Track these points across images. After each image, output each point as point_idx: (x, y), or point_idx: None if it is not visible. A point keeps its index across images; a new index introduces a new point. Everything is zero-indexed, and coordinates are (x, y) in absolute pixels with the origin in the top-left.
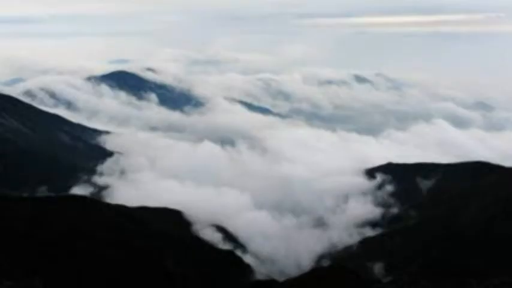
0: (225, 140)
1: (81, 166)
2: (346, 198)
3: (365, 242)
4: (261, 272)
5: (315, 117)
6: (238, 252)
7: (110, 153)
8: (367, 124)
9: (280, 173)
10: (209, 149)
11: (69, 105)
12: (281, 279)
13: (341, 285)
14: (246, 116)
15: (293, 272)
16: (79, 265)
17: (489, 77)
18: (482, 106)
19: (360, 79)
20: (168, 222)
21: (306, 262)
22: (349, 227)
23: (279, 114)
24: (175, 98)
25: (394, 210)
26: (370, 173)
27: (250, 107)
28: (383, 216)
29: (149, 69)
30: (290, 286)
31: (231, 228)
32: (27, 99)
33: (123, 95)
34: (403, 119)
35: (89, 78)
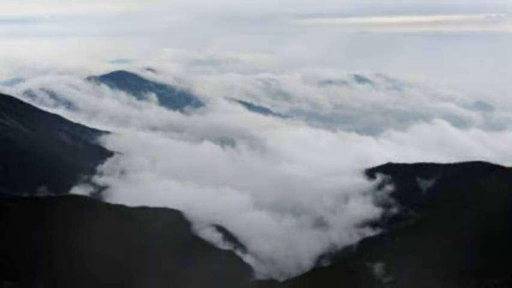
0: (225, 140)
1: (81, 166)
2: (346, 198)
3: (365, 242)
4: (261, 272)
5: (315, 117)
6: (238, 252)
7: (110, 153)
8: (367, 124)
9: (280, 173)
10: (209, 149)
11: (69, 105)
12: (281, 279)
13: (341, 285)
14: (246, 116)
15: (293, 272)
16: (79, 265)
17: (489, 77)
18: (482, 106)
19: (360, 79)
20: (168, 222)
21: (306, 262)
22: (349, 227)
23: (279, 114)
24: (175, 98)
25: (394, 210)
26: (370, 173)
27: (250, 107)
28: (383, 216)
29: (149, 69)
30: (290, 286)
31: (231, 228)
32: (27, 99)
33: (123, 95)
34: (403, 119)
35: (89, 78)
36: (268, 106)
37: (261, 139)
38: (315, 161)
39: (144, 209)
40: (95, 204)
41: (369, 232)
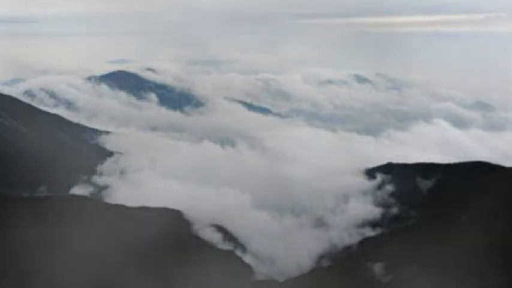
0: (225, 140)
1: (81, 166)
2: (346, 198)
3: (365, 242)
4: (261, 272)
5: (315, 117)
6: (238, 252)
7: (110, 153)
8: (367, 124)
9: (280, 173)
10: (209, 149)
11: (69, 105)
12: (281, 279)
13: (341, 285)
14: (246, 116)
15: (293, 272)
16: (79, 265)
17: (489, 77)
18: (482, 106)
19: (360, 79)
20: (168, 222)
21: (306, 262)
22: (349, 227)
23: (279, 114)
24: (175, 98)
25: (394, 210)
26: (370, 173)
27: (250, 107)
28: (383, 216)
29: (149, 69)
30: (290, 286)
31: (231, 228)
32: (27, 99)
33: (123, 95)
34: (403, 119)
35: (89, 78)
36: (268, 106)
37: (261, 139)
38: (315, 161)
39: (144, 209)
40: (95, 204)
41: (369, 232)
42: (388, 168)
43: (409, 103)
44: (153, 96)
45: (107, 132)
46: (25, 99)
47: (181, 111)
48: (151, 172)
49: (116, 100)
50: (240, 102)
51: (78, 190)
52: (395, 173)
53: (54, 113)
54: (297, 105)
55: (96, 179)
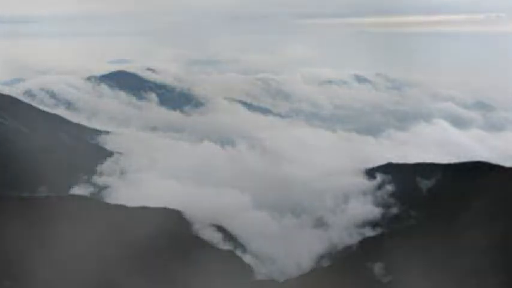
0: (225, 140)
1: (81, 166)
2: (346, 198)
3: (365, 242)
4: (261, 272)
5: (315, 117)
6: (238, 252)
7: (110, 153)
8: (367, 124)
9: (280, 173)
10: (209, 149)
11: (69, 105)
12: (281, 279)
13: (341, 285)
14: (246, 116)
15: (293, 272)
16: (79, 265)
17: (489, 77)
18: (482, 106)
19: (360, 79)
20: (168, 222)
21: (306, 262)
22: (349, 227)
23: (279, 114)
24: (175, 98)
25: (394, 210)
26: (370, 173)
27: (250, 107)
28: (383, 216)
29: (149, 69)
30: (290, 286)
31: (231, 228)
32: (27, 99)
33: (123, 95)
34: (403, 119)
35: (89, 78)
36: (268, 106)
37: (261, 139)
38: (315, 161)
39: (144, 209)
40: (95, 204)
41: (369, 232)
42: (388, 168)
43: (409, 103)
44: (153, 96)
45: (107, 132)
46: (25, 99)
47: (181, 111)
48: (151, 172)
49: (116, 100)
50: (240, 102)
51: (78, 190)
52: (395, 173)
53: (54, 113)
54: (297, 105)
55: (96, 179)
